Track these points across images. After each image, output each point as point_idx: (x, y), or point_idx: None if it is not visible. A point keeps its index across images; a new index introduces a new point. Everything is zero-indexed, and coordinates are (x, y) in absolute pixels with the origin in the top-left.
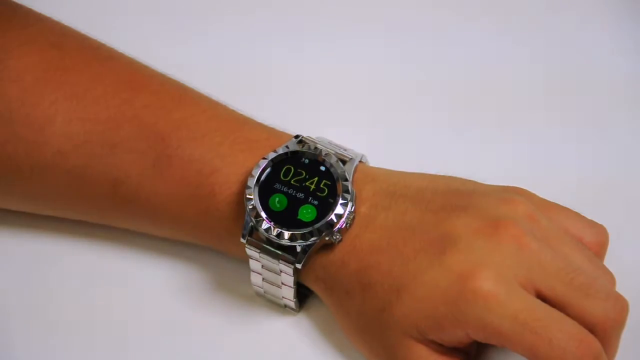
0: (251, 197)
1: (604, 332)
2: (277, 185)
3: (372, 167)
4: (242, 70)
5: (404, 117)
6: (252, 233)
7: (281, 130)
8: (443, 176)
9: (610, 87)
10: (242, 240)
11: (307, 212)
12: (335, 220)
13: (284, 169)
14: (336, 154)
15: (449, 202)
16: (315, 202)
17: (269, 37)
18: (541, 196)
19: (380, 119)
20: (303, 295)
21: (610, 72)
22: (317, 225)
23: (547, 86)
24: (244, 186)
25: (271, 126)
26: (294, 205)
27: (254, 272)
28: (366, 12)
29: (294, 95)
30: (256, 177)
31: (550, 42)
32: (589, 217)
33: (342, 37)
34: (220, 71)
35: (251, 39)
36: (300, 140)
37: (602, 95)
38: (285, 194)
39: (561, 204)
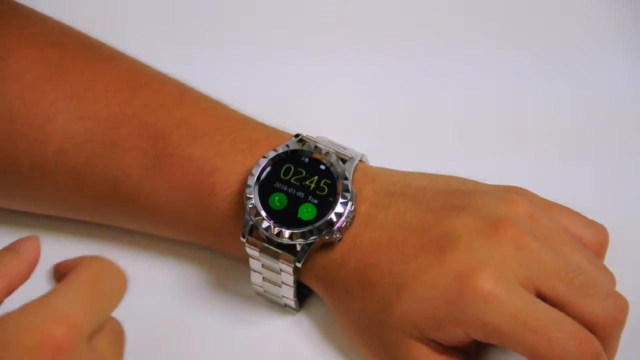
0: (251, 196)
1: (603, 331)
2: (277, 184)
3: (372, 167)
4: (242, 70)
5: (404, 117)
6: (252, 232)
7: (281, 129)
8: (443, 176)
9: (609, 91)
10: (242, 239)
11: (307, 211)
12: (335, 219)
13: (284, 168)
14: (336, 153)
15: (449, 202)
16: (315, 201)
17: (269, 37)
18: (541, 196)
19: (381, 119)
20: (303, 294)
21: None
22: (317, 224)
23: (547, 87)
24: (244, 185)
25: (271, 126)
26: (294, 204)
27: (254, 271)
28: (367, 15)
29: (295, 95)
30: (256, 176)
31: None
32: (589, 217)
33: (343, 37)
34: (221, 71)
35: (251, 38)
36: (300, 139)
37: (603, 95)
38: (285, 192)
39: (561, 203)
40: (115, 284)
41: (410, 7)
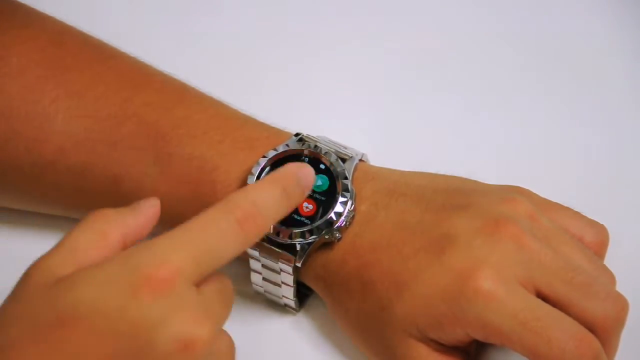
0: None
1: (603, 331)
2: None
3: (372, 166)
4: (242, 70)
5: (404, 117)
6: None
7: (282, 129)
8: (443, 175)
9: (610, 88)
10: None
11: (306, 210)
12: (334, 219)
13: None
14: (336, 152)
15: (449, 201)
16: (315, 200)
17: (269, 36)
18: (541, 195)
19: (381, 118)
20: (303, 295)
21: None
22: (316, 224)
23: (547, 87)
24: (244, 184)
25: (272, 125)
26: None
27: (253, 271)
28: (368, 14)
29: (295, 94)
30: (256, 175)
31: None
32: (589, 217)
33: (343, 37)
34: (221, 71)
35: (251, 38)
36: (300, 138)
37: (603, 95)
38: None
39: (561, 203)
40: (226, 239)
41: (411, 7)
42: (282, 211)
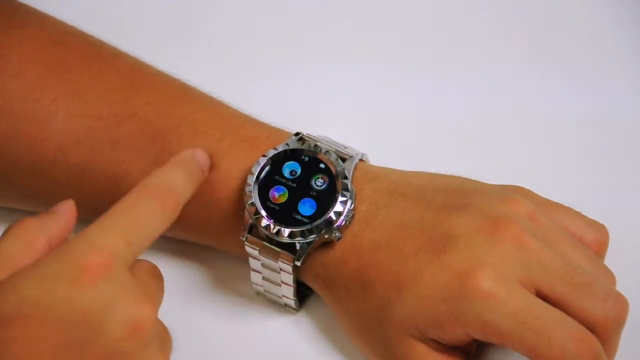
0: (250, 194)
1: (603, 331)
2: (278, 179)
3: (372, 166)
4: (243, 70)
5: (404, 116)
6: (251, 230)
7: (282, 128)
8: (443, 175)
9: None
10: (241, 237)
11: (306, 207)
12: (334, 218)
13: (283, 166)
14: (336, 152)
15: (449, 201)
16: (315, 200)
17: (269, 36)
18: (541, 195)
19: (381, 118)
20: (303, 294)
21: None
22: (316, 223)
23: (547, 86)
24: (244, 183)
25: (272, 125)
26: (293, 199)
27: (253, 270)
28: (367, 14)
29: (295, 94)
30: (256, 174)
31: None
32: (589, 217)
33: (343, 37)
34: (221, 71)
35: (252, 38)
36: (300, 137)
37: (603, 95)
38: (286, 186)
39: (562, 203)
40: (150, 217)
41: (411, 8)
42: (189, 188)
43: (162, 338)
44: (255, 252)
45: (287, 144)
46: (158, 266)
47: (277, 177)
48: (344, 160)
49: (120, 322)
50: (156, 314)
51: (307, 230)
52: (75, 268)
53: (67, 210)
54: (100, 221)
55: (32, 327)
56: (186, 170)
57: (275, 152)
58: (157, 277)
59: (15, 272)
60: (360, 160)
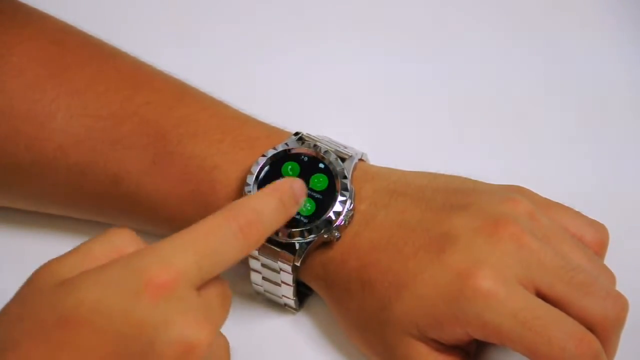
0: (250, 194)
1: (603, 331)
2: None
3: (372, 165)
4: (243, 70)
5: (404, 117)
6: None
7: (282, 128)
8: (443, 175)
9: (610, 88)
10: None
11: (305, 209)
12: (334, 218)
13: (283, 166)
14: (336, 152)
15: (449, 201)
16: (314, 199)
17: (269, 36)
18: (541, 195)
19: (381, 118)
20: (303, 294)
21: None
22: (315, 223)
23: (547, 87)
24: (244, 183)
25: (272, 125)
26: None
27: (253, 270)
28: (367, 13)
29: (295, 94)
30: (255, 174)
31: (550, 43)
32: (590, 216)
33: (343, 38)
34: (221, 71)
35: (252, 38)
36: (300, 137)
37: (602, 95)
38: None
39: (562, 203)
40: (228, 244)
41: (411, 6)
42: (280, 220)
43: (217, 358)
44: (255, 252)
45: (286, 144)
46: None
47: (276, 177)
48: (343, 160)
49: (173, 342)
50: (213, 337)
51: (307, 230)
52: (140, 280)
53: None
54: (176, 237)
55: (86, 333)
56: (280, 201)
57: (275, 152)
58: (225, 300)
59: (82, 273)
60: (360, 160)
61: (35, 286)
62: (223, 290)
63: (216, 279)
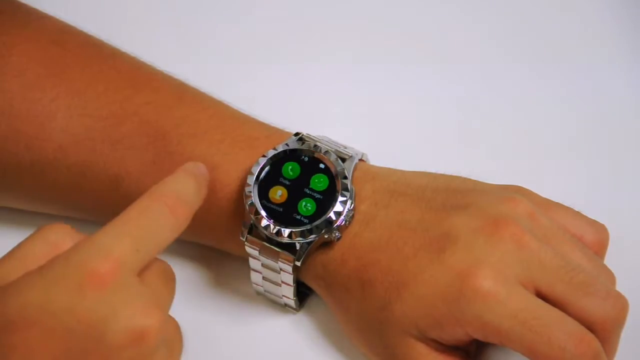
0: (250, 194)
1: (603, 331)
2: (278, 179)
3: (372, 166)
4: (243, 70)
5: (404, 117)
6: (251, 231)
7: (282, 128)
8: (443, 175)
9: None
10: (241, 237)
11: (306, 206)
12: (334, 218)
13: (283, 166)
14: (336, 152)
15: (449, 201)
16: (315, 200)
17: (269, 36)
18: (541, 195)
19: (381, 118)
20: (303, 294)
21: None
22: (316, 223)
23: (547, 87)
24: (244, 184)
25: (272, 125)
26: (293, 199)
27: (253, 270)
28: (367, 14)
29: (295, 94)
30: (255, 174)
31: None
32: (589, 216)
33: (344, 38)
34: (221, 71)
35: (252, 39)
36: (300, 138)
37: (603, 95)
38: (286, 186)
39: (562, 203)
40: (161, 225)
41: (411, 8)
42: (199, 198)
43: (171, 343)
44: (255, 252)
45: (286, 144)
46: None
47: (276, 177)
48: (343, 160)
49: (123, 330)
50: (163, 321)
51: (307, 230)
52: (82, 274)
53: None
54: (109, 226)
55: (34, 334)
56: (196, 180)
57: (275, 152)
58: (168, 279)
59: (24, 275)
60: (360, 160)
61: None
62: (164, 270)
63: (155, 260)
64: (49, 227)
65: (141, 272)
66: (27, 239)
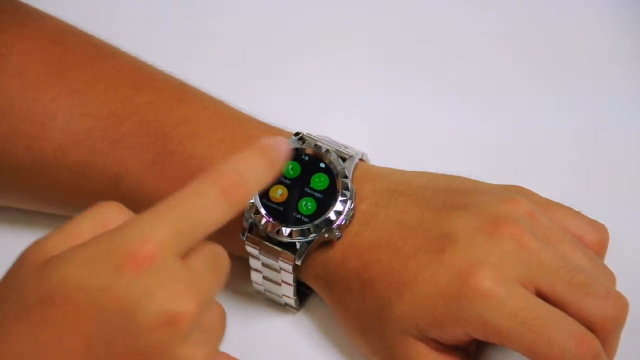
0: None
1: (603, 330)
2: (277, 182)
3: (372, 165)
4: (243, 70)
5: (404, 117)
6: (251, 230)
7: (282, 128)
8: (443, 175)
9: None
10: (241, 237)
11: (306, 205)
12: (334, 217)
13: None
14: (336, 151)
15: (449, 201)
16: (315, 199)
17: (269, 36)
18: (541, 195)
19: (381, 118)
20: (304, 294)
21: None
22: (316, 222)
23: (547, 86)
24: None
25: (272, 125)
26: (293, 201)
27: (253, 269)
28: (368, 15)
29: (295, 94)
30: None
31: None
32: (589, 216)
33: (344, 37)
34: (221, 71)
35: (252, 38)
36: (300, 137)
37: (602, 95)
38: (286, 186)
39: (561, 203)
40: (210, 208)
41: (412, 11)
42: (266, 179)
43: (210, 332)
44: (256, 252)
45: None
46: None
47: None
48: (344, 159)
49: (154, 313)
50: (200, 306)
51: (307, 229)
52: (121, 255)
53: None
54: (156, 208)
55: (69, 310)
56: (265, 158)
57: None
58: (218, 264)
59: (65, 251)
60: (361, 159)
61: (22, 265)
62: (213, 254)
63: (205, 243)
64: (102, 204)
65: (187, 255)
66: (80, 215)
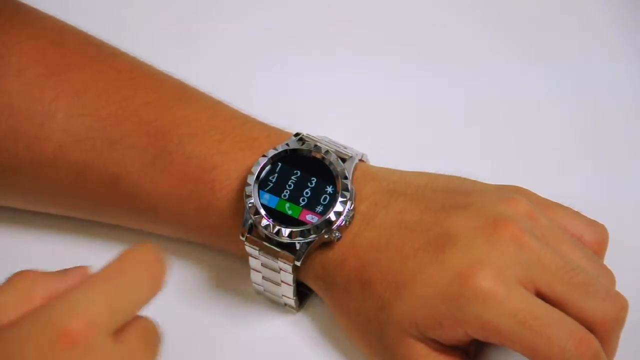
0: (250, 194)
1: (603, 331)
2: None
3: (372, 166)
4: (243, 70)
5: (404, 117)
6: (251, 230)
7: (282, 129)
8: (443, 175)
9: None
10: (241, 237)
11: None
12: (334, 218)
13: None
14: (336, 152)
15: (449, 201)
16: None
17: (270, 37)
18: (541, 195)
19: (381, 119)
20: (303, 294)
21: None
22: (316, 223)
23: (546, 87)
24: (244, 183)
25: (272, 125)
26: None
27: (253, 270)
28: (368, 15)
29: (295, 94)
30: (256, 174)
31: (550, 43)
32: (589, 217)
33: (343, 37)
34: (221, 71)
35: (252, 39)
36: (300, 138)
37: (602, 94)
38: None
39: (561, 203)
40: (145, 278)
41: (411, 8)
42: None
43: None
44: (255, 252)
45: (287, 144)
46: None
47: (277, 177)
48: (344, 160)
49: None
50: None
51: (307, 230)
52: (53, 333)
53: (77, 274)
54: (85, 282)
55: None
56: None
57: (275, 152)
58: (150, 340)
59: None
60: (360, 160)
61: None
62: (146, 330)
63: (138, 319)
64: (19, 276)
65: (119, 331)
66: None
